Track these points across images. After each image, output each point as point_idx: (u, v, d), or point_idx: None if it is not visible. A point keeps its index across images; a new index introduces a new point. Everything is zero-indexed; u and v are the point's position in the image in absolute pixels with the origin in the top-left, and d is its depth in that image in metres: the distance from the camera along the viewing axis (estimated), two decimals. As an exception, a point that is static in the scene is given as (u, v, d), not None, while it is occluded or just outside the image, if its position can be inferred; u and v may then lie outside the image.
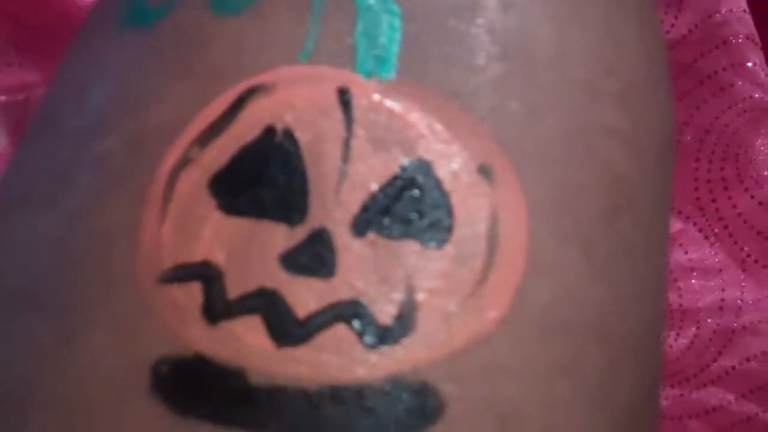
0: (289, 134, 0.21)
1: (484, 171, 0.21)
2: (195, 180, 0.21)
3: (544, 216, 0.21)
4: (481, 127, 0.21)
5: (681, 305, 0.40)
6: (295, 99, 0.21)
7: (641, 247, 0.23)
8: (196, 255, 0.21)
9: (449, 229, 0.21)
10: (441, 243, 0.20)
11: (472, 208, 0.21)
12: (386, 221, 0.20)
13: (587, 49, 0.23)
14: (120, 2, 0.25)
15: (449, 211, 0.21)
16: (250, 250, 0.20)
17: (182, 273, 0.21)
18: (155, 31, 0.23)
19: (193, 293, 0.20)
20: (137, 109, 0.22)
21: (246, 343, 0.20)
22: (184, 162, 0.21)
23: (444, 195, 0.21)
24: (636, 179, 0.23)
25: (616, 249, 0.22)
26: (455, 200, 0.21)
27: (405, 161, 0.21)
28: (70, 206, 0.22)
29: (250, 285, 0.20)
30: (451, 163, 0.21)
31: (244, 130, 0.21)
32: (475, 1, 0.22)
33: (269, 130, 0.21)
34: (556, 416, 0.20)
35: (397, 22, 0.22)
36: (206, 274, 0.20)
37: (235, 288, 0.20)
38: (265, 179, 0.21)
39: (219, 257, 0.20)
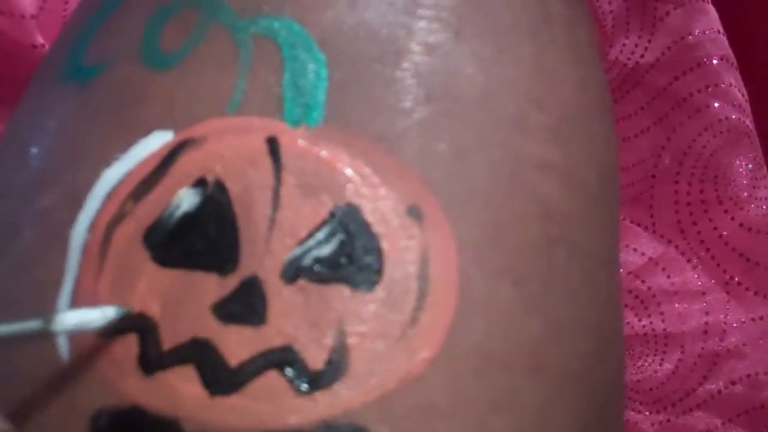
0: (219, 185, 0.21)
1: (413, 213, 0.21)
2: (130, 233, 0.21)
3: (474, 253, 0.21)
4: (408, 169, 0.21)
5: (665, 330, 0.40)
6: (225, 150, 0.21)
7: (580, 277, 0.23)
8: (132, 307, 0.21)
9: (379, 272, 0.21)
10: (371, 286, 0.21)
11: (401, 250, 0.21)
12: (316, 267, 0.21)
13: (515, 86, 0.23)
14: (60, 59, 0.25)
15: (379, 254, 0.21)
16: (183, 301, 0.21)
17: (119, 326, 0.21)
18: (92, 88, 0.24)
19: (129, 345, 0.21)
20: (74, 165, 0.23)
21: (180, 393, 0.20)
22: (119, 216, 0.22)
23: (373, 238, 0.21)
24: (572, 210, 0.23)
25: (552, 281, 0.22)
26: (385, 243, 0.21)
27: (334, 206, 0.21)
28: (14, 259, 0.23)
29: (184, 335, 0.21)
30: (380, 206, 0.21)
31: (176, 182, 0.22)
32: (399, 46, 0.22)
33: (200, 182, 0.21)
34: None
35: (323, 70, 0.22)
36: (142, 326, 0.21)
37: (169, 339, 0.21)
38: (196, 230, 0.21)
39: (154, 309, 0.21)
